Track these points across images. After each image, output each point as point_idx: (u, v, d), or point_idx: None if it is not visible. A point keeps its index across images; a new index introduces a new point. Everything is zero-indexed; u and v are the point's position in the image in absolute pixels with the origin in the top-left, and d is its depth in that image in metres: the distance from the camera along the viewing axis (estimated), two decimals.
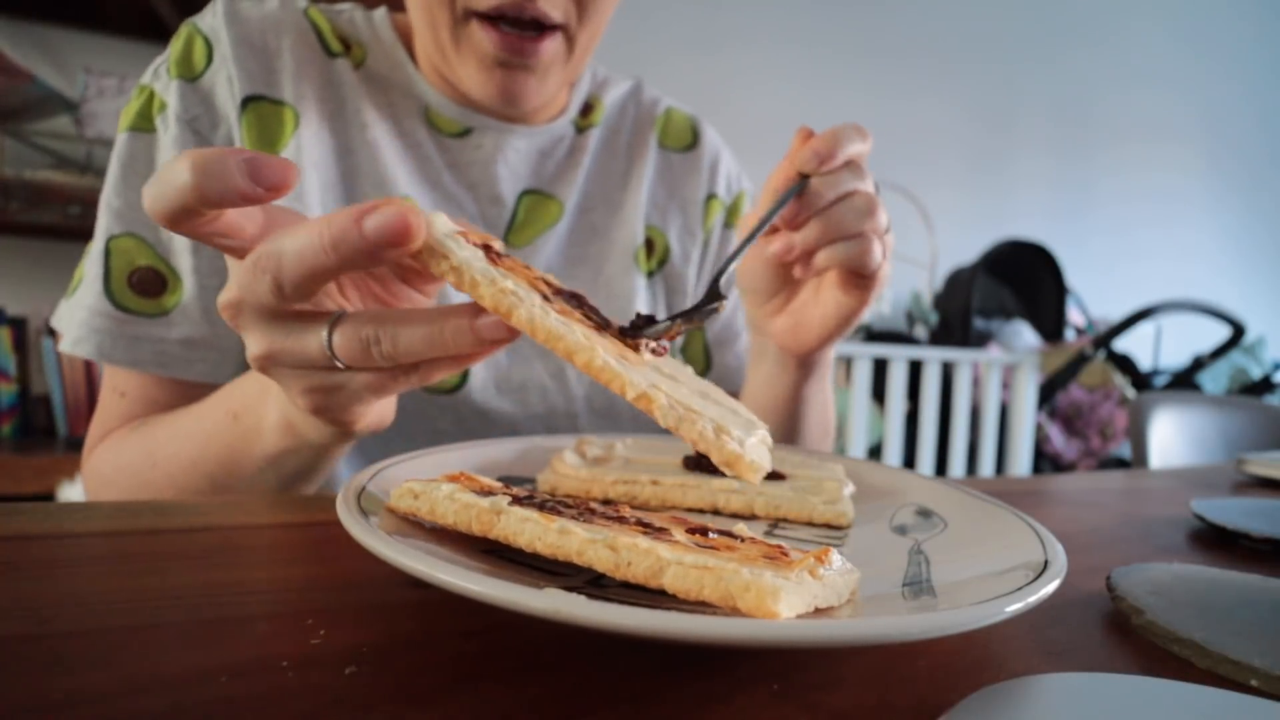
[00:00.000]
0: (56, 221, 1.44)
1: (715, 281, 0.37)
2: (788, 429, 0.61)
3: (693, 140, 0.72)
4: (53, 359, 1.46)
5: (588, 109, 0.68)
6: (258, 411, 0.41)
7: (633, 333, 0.32)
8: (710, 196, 0.71)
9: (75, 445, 1.42)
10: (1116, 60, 2.85)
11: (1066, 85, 2.76)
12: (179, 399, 0.53)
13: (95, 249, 0.52)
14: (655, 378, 0.28)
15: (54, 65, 1.56)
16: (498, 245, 0.31)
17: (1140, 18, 2.89)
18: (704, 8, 2.15)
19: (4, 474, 1.28)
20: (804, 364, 0.54)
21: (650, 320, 0.32)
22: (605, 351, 0.27)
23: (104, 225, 0.52)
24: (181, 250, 0.52)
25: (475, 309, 0.28)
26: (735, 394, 0.71)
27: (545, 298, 0.29)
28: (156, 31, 1.59)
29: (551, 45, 0.54)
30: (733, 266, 0.39)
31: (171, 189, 0.26)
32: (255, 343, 0.31)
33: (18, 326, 1.49)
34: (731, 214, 0.72)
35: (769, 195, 0.43)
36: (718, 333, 0.71)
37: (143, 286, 0.52)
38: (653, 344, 0.32)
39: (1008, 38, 2.63)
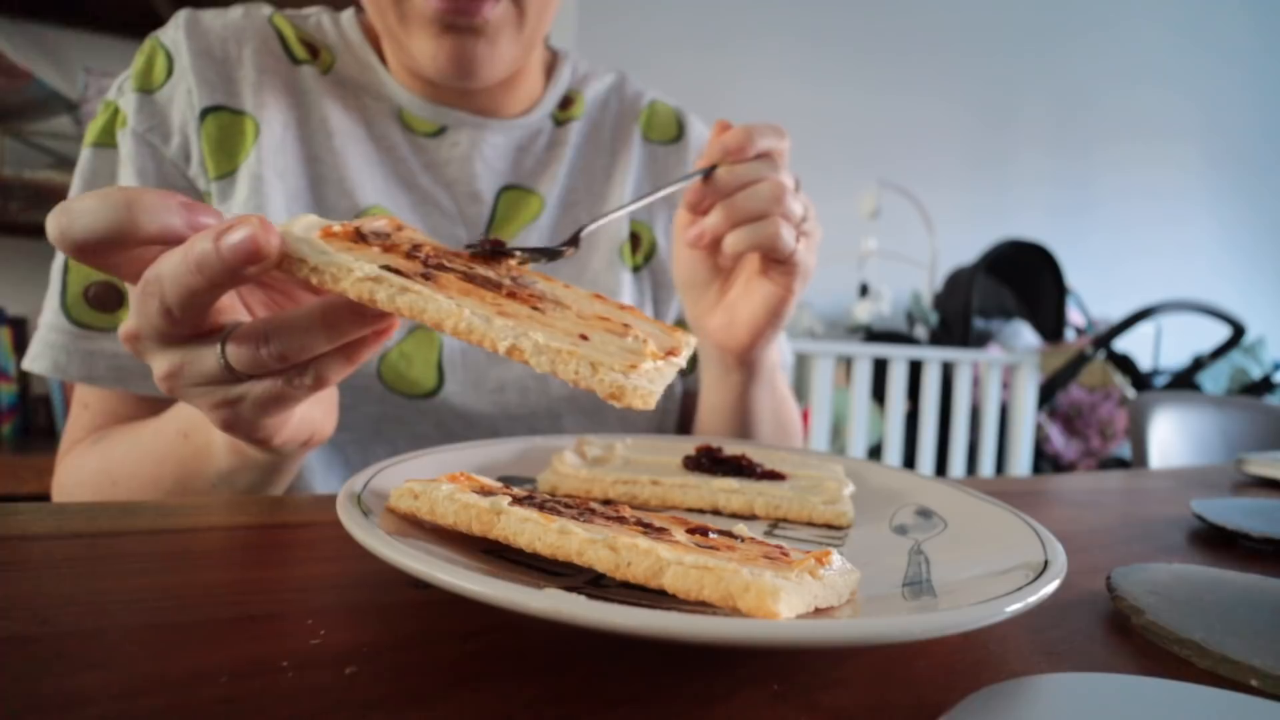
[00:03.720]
0: None
1: (579, 230, 0.39)
2: (740, 433, 0.61)
3: (678, 133, 0.71)
4: None
5: (567, 102, 0.67)
6: (206, 430, 0.41)
7: (488, 253, 0.34)
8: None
9: None
10: (1116, 58, 2.85)
11: (1067, 83, 2.76)
12: (139, 412, 0.53)
13: (56, 264, 0.52)
14: (527, 325, 0.28)
15: (54, 65, 1.56)
16: (379, 225, 0.32)
17: (1140, 15, 2.89)
18: (701, 4, 2.15)
19: (4, 474, 1.28)
20: (743, 364, 0.54)
21: (500, 246, 0.35)
22: (474, 311, 0.27)
23: None
24: None
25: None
26: None
27: (428, 266, 0.29)
28: None
29: (497, 9, 0.52)
30: (596, 225, 0.41)
31: (95, 219, 0.26)
32: (157, 366, 0.31)
33: (18, 326, 1.49)
34: None
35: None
36: None
37: (99, 301, 0.52)
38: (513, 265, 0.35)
39: (1007, 35, 2.63)
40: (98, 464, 0.49)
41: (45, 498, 0.49)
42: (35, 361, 0.51)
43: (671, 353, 0.29)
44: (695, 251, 0.49)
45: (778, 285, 0.47)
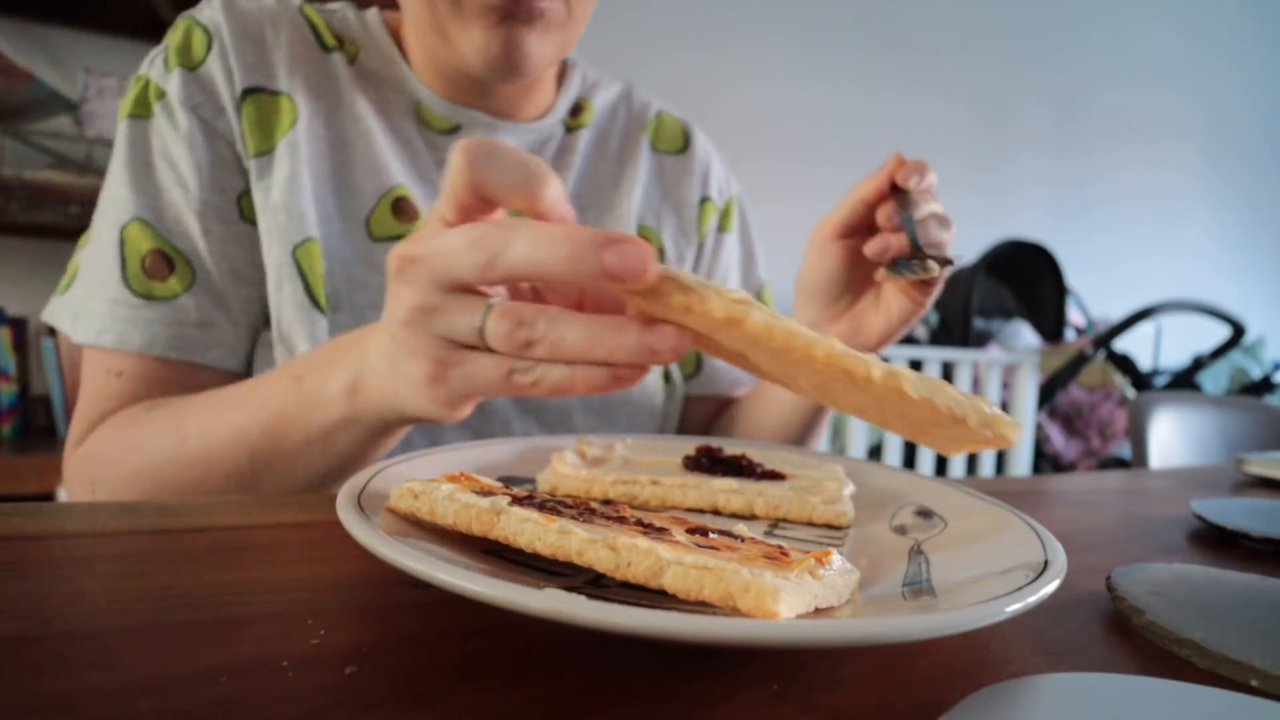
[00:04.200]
0: (56, 221, 1.44)
1: (926, 252, 0.47)
2: (802, 436, 0.63)
3: (684, 144, 0.73)
4: (53, 359, 1.45)
5: (577, 110, 0.69)
6: (324, 376, 0.40)
7: (898, 268, 0.47)
8: (704, 200, 0.72)
9: None
10: (1117, 57, 2.85)
11: (1066, 83, 2.76)
12: (182, 381, 0.52)
13: (106, 239, 0.52)
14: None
15: (54, 65, 1.56)
16: None
17: (1140, 15, 2.89)
18: (701, 4, 2.15)
19: (4, 474, 1.27)
20: None
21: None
22: (844, 349, 0.27)
23: (113, 215, 0.52)
24: (192, 235, 0.53)
25: (644, 323, 0.28)
26: (724, 397, 0.73)
27: None
28: (156, 31, 1.58)
29: (552, 2, 0.53)
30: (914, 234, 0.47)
31: (515, 173, 0.29)
32: (415, 296, 0.31)
33: (18, 326, 1.49)
34: (724, 218, 0.74)
35: (857, 201, 0.50)
36: None
37: (154, 270, 0.52)
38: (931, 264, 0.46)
39: (1007, 35, 2.63)
40: (161, 425, 0.47)
41: (45, 498, 0.48)
42: (104, 335, 0.51)
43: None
44: (838, 264, 0.53)
45: (915, 302, 0.52)
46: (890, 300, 0.53)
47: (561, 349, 0.29)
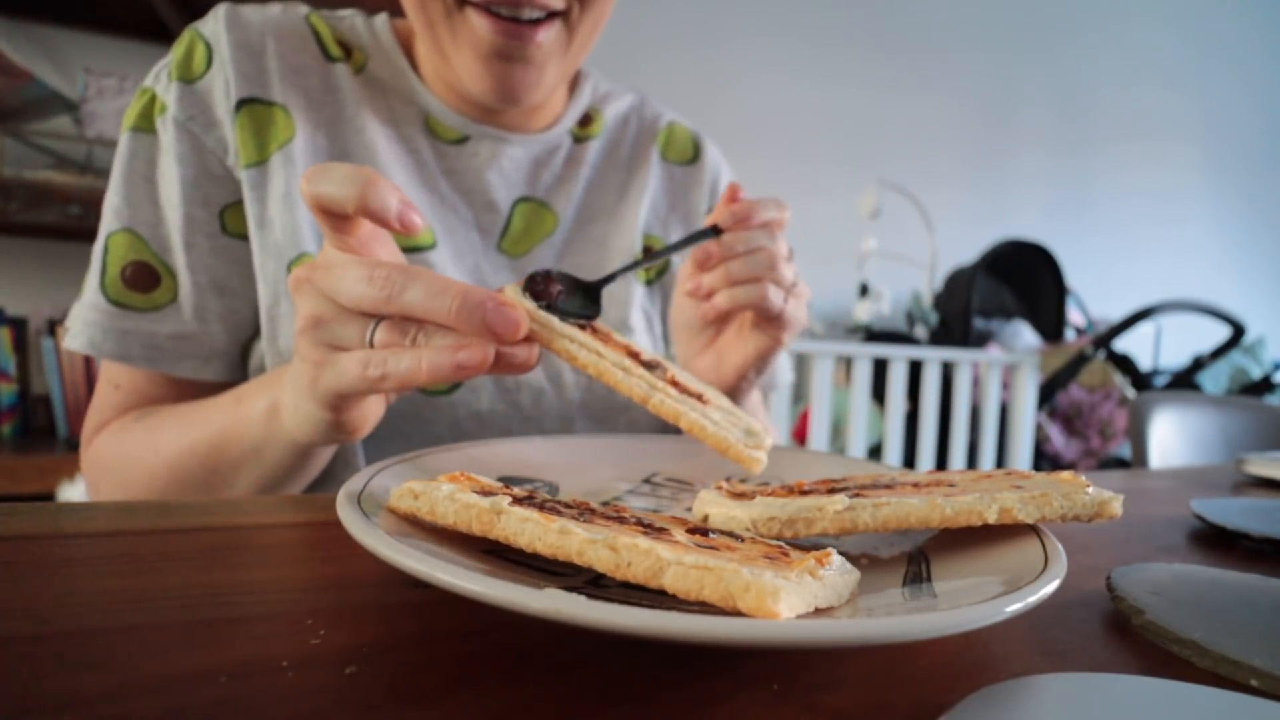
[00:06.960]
0: (56, 221, 1.44)
1: (598, 289, 0.44)
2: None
3: (694, 155, 0.73)
4: (53, 359, 1.45)
5: (586, 120, 0.69)
6: (254, 399, 0.44)
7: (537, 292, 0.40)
8: (711, 209, 0.72)
9: (75, 445, 1.42)
10: (1117, 57, 2.85)
11: (1067, 82, 2.76)
12: (169, 394, 0.54)
13: (98, 247, 0.53)
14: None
15: (54, 65, 1.56)
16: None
17: (1141, 14, 2.89)
18: (701, 3, 2.15)
19: (4, 474, 1.27)
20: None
21: (547, 279, 0.40)
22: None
23: (105, 224, 0.54)
24: (176, 249, 0.53)
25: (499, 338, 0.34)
26: None
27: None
28: (156, 32, 1.59)
29: (550, 33, 0.53)
30: (615, 282, 0.46)
31: (349, 188, 0.32)
32: (309, 307, 0.35)
33: (18, 326, 1.49)
34: None
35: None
36: None
37: (135, 281, 0.52)
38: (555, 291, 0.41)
39: (1008, 34, 2.63)
40: (142, 435, 0.50)
41: (46, 498, 0.49)
42: (74, 339, 0.52)
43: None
44: (694, 300, 0.53)
45: (768, 337, 0.51)
46: (749, 337, 0.53)
47: (429, 344, 0.33)
